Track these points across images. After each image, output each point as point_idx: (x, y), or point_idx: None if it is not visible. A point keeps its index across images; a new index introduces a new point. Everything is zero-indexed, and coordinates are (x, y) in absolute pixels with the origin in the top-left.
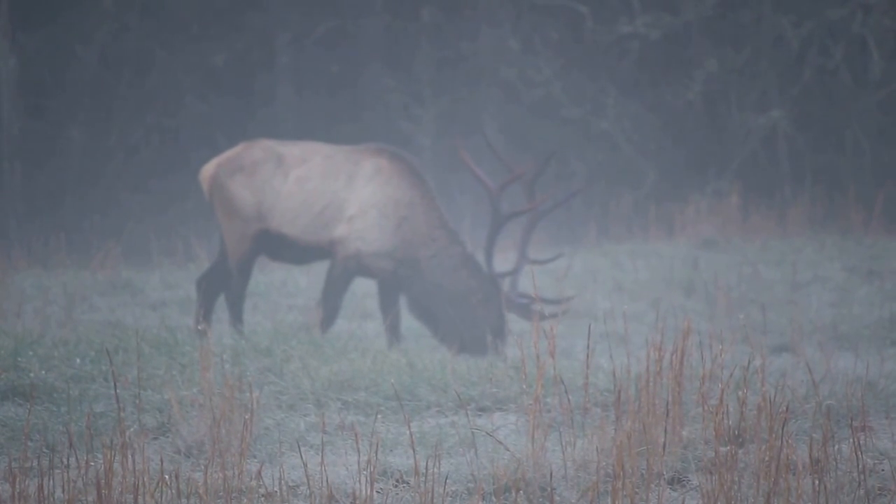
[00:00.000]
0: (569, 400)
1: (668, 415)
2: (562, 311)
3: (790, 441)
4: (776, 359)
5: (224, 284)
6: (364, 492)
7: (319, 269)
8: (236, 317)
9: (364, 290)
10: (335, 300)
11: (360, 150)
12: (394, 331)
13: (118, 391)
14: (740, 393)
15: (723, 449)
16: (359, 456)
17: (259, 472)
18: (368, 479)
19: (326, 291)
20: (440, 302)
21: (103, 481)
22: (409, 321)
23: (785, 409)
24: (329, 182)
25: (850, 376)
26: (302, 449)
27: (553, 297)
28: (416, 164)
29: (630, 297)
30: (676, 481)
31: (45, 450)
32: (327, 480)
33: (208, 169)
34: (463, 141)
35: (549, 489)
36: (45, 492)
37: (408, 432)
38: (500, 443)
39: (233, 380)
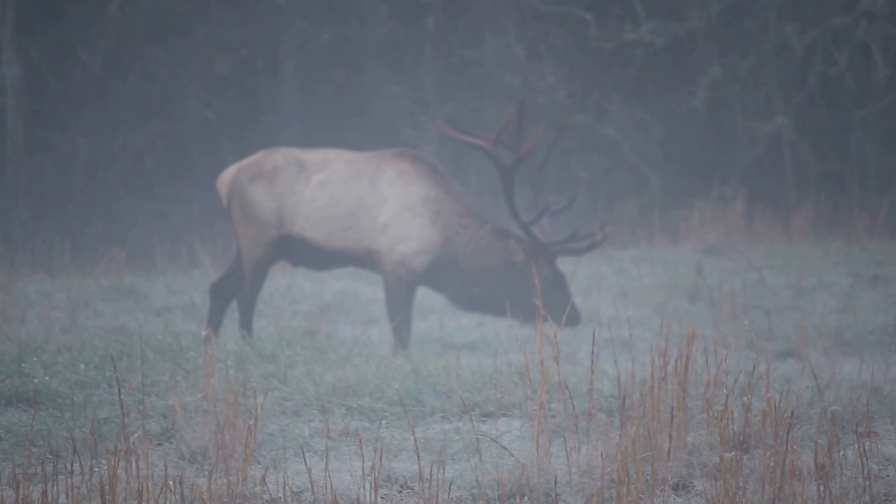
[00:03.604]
0: (573, 406)
1: (672, 420)
2: (603, 236)
3: (795, 447)
4: (781, 364)
5: (237, 291)
6: (368, 498)
7: (323, 274)
8: (246, 323)
9: (368, 295)
10: (401, 311)
11: (381, 154)
12: (401, 336)
13: (122, 397)
14: (745, 399)
15: (727, 455)
16: (363, 462)
17: (263, 478)
18: (372, 485)
19: (389, 305)
20: (489, 283)
21: (107, 487)
22: (416, 326)
23: (790, 414)
24: (351, 186)
25: (855, 382)
26: (306, 455)
27: (586, 233)
28: (437, 165)
29: (634, 303)
30: (681, 487)
31: (48, 456)
32: (331, 486)
33: (227, 174)
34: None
35: (553, 495)
36: (49, 498)
37: (412, 438)
38: (505, 448)
39: (237, 386)
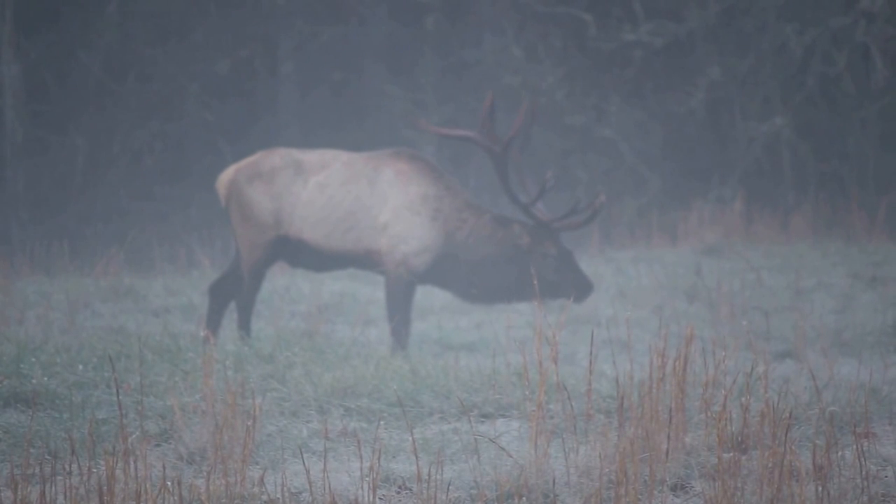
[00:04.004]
0: (571, 406)
1: (671, 421)
2: (601, 204)
3: (793, 447)
4: (779, 365)
5: (236, 292)
6: (366, 498)
7: (321, 275)
8: (244, 324)
9: (367, 296)
10: (400, 311)
11: (379, 155)
12: (400, 337)
13: (120, 398)
14: (743, 399)
15: (726, 455)
16: (361, 462)
17: (261, 479)
18: (371, 485)
19: (389, 305)
20: (497, 272)
21: (105, 488)
22: (414, 327)
23: (788, 415)
24: (350, 188)
25: (853, 383)
26: (304, 455)
27: (585, 205)
28: (434, 163)
29: (633, 304)
30: (679, 488)
31: (47, 456)
32: (330, 487)
33: (226, 175)
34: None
35: (551, 496)
36: (48, 499)
37: (410, 439)
38: (503, 449)
39: (235, 386)
